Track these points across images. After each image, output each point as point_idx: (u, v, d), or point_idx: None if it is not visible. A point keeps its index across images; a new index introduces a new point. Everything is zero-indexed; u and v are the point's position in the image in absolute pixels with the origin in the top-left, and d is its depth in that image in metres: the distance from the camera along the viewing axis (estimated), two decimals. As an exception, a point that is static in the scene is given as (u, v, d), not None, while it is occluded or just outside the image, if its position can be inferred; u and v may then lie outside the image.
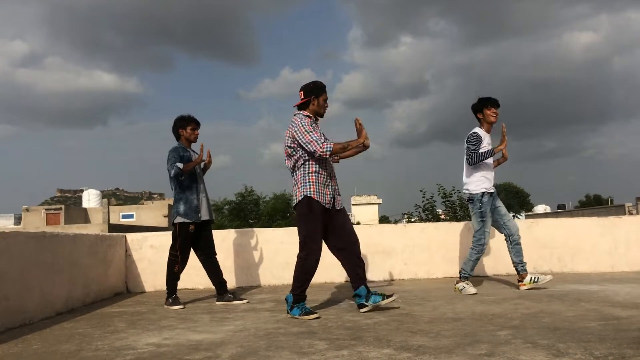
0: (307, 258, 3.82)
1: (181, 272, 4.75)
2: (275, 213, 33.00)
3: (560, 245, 6.20)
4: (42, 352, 2.95)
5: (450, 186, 18.10)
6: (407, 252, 6.19)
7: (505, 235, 4.83)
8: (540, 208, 56.46)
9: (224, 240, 6.08)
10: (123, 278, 5.93)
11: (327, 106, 4.05)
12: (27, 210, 41.02)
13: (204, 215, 4.71)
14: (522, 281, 4.77)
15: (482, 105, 4.81)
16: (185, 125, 4.77)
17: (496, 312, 3.64)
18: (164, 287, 5.96)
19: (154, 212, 43.82)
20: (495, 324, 3.23)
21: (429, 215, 18.63)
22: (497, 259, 6.22)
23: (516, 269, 4.80)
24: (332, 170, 4.01)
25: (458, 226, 6.48)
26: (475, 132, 4.79)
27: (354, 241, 3.95)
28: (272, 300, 4.86)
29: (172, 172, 4.57)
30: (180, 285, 5.98)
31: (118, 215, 43.22)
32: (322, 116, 4.05)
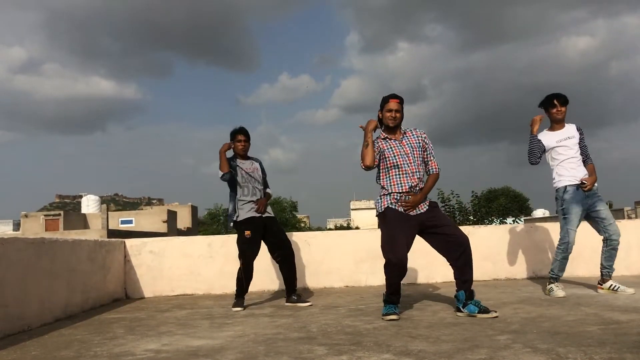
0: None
1: (250, 273, 4.82)
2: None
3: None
4: (41, 358, 2.94)
5: (449, 190, 18.07)
6: (410, 257, 6.18)
7: (604, 238, 4.72)
8: (539, 212, 56.40)
9: (222, 245, 6.08)
10: (122, 284, 5.92)
11: (392, 116, 3.95)
12: (26, 216, 40.97)
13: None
14: (602, 285, 4.71)
15: (544, 105, 4.79)
16: (232, 139, 4.92)
17: (496, 317, 3.63)
18: (163, 293, 5.98)
19: (153, 218, 43.77)
20: (495, 328, 3.23)
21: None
22: (496, 263, 6.22)
23: (601, 272, 4.73)
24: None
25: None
26: (533, 135, 4.79)
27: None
28: (271, 305, 4.85)
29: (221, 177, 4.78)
30: (179, 290, 6.00)
31: (117, 220, 43.17)
32: (390, 126, 3.99)
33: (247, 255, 4.74)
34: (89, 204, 49.81)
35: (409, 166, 3.92)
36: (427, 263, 6.18)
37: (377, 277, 6.13)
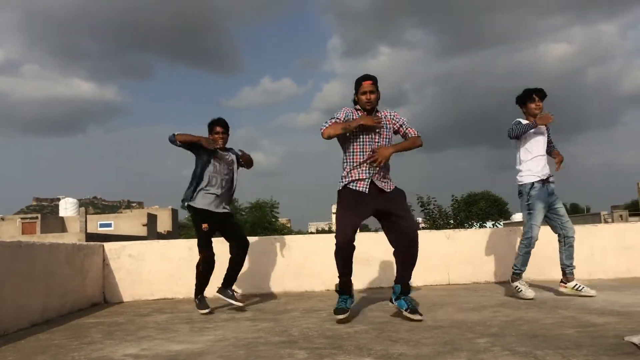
0: None
1: (207, 275, 4.76)
2: (257, 222, 32.98)
3: (538, 253, 6.23)
4: (17, 364, 2.89)
5: (427, 195, 18.22)
6: (387, 260, 6.20)
7: (559, 235, 4.78)
8: (518, 216, 57.04)
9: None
10: (100, 288, 5.84)
11: (367, 98, 3.90)
12: (2, 219, 40.29)
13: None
14: (566, 283, 4.74)
15: (522, 99, 4.80)
16: (210, 131, 4.84)
17: (475, 320, 3.66)
18: (142, 297, 5.92)
19: (132, 221, 43.38)
20: (475, 331, 3.26)
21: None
22: (475, 267, 6.27)
23: (564, 271, 4.76)
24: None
25: (438, 234, 6.52)
26: (518, 119, 4.80)
27: None
28: (252, 309, 4.83)
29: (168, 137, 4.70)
30: (159, 294, 5.95)
31: (96, 224, 42.70)
32: (367, 109, 3.95)
33: (208, 255, 4.71)
34: (67, 207, 49.18)
35: (372, 145, 3.90)
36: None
37: (359, 281, 6.14)
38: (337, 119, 3.92)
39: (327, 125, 3.89)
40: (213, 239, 4.79)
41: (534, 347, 2.76)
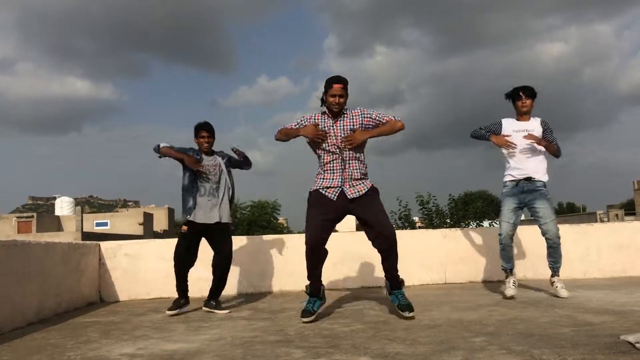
0: None
1: (179, 272, 4.74)
2: (254, 220, 32.95)
3: (534, 252, 6.28)
4: (12, 363, 2.88)
5: (428, 193, 18.22)
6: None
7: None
8: (514, 216, 57.05)
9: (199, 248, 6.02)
10: (96, 287, 5.83)
11: (336, 102, 3.89)
12: (-2, 218, 40.12)
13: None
14: (551, 279, 4.77)
15: (510, 96, 4.79)
16: (195, 135, 4.78)
17: (472, 319, 3.67)
18: (139, 297, 5.91)
19: (129, 220, 43.30)
20: (471, 330, 3.26)
21: (405, 223, 18.76)
22: (472, 266, 6.28)
23: (549, 267, 4.80)
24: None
25: (434, 233, 6.52)
26: (501, 119, 4.82)
27: None
28: (249, 308, 4.82)
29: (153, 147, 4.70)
30: (155, 294, 5.94)
31: (92, 223, 42.61)
32: (334, 111, 3.95)
33: (177, 252, 4.71)
34: (63, 206, 49.08)
35: (335, 150, 3.92)
36: (403, 265, 6.21)
37: (355, 280, 6.14)
38: (291, 125, 4.06)
39: (279, 129, 4.11)
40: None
41: (530, 346, 2.76)
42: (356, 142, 3.86)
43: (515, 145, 4.65)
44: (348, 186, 3.92)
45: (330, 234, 3.99)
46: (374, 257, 6.16)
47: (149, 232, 41.74)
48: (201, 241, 4.78)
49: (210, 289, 4.74)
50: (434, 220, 18.62)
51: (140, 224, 42.06)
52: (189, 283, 4.76)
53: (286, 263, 6.15)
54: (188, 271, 4.76)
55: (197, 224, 4.63)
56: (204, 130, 4.75)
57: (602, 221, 36.12)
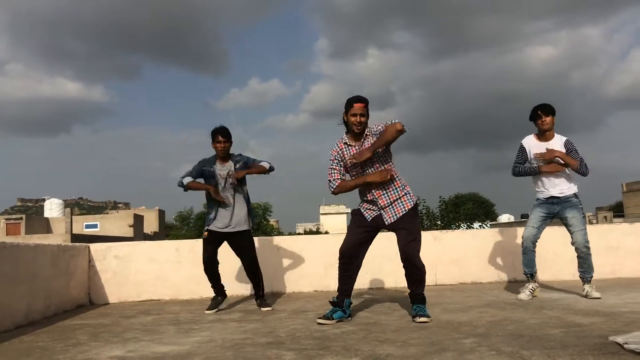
0: None
1: (208, 275, 4.89)
2: None
3: (538, 255, 6.32)
4: (0, 366, 2.86)
5: (417, 197, 18.26)
6: (375, 262, 6.21)
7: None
8: (504, 217, 57.46)
9: (190, 250, 6.01)
10: (86, 289, 5.79)
11: (357, 121, 3.85)
12: (-14, 220, 39.75)
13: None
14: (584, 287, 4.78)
15: (532, 118, 4.84)
16: (212, 139, 4.82)
17: (462, 320, 3.68)
18: (129, 299, 5.88)
19: (119, 222, 43.02)
20: (461, 332, 3.27)
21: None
22: (462, 268, 6.31)
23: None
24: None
25: (425, 235, 6.51)
26: (520, 143, 4.90)
27: None
28: (239, 310, 4.82)
29: (177, 183, 4.82)
30: (145, 296, 5.91)
31: (81, 225, 42.29)
32: (355, 132, 3.92)
33: (204, 257, 4.84)
34: (52, 208, 48.66)
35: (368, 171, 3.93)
36: (394, 268, 6.22)
37: (345, 282, 6.14)
38: (341, 177, 3.97)
39: (335, 185, 3.96)
40: None
41: (520, 347, 2.78)
42: (359, 161, 3.83)
43: (559, 153, 4.69)
44: (386, 210, 3.94)
45: (362, 249, 4.07)
46: (365, 259, 6.18)
47: (139, 234, 41.51)
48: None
49: (254, 289, 5.04)
50: (424, 222, 18.68)
51: (130, 226, 41.80)
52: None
53: (278, 264, 6.14)
54: (215, 270, 4.90)
55: (215, 232, 4.80)
56: (220, 134, 4.79)
57: (591, 223, 36.35)
